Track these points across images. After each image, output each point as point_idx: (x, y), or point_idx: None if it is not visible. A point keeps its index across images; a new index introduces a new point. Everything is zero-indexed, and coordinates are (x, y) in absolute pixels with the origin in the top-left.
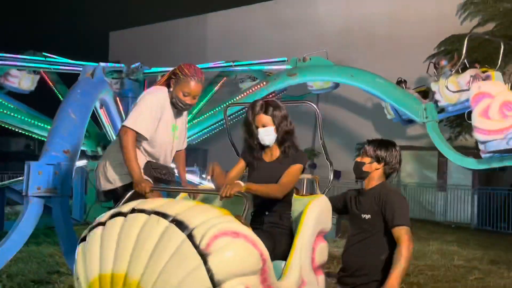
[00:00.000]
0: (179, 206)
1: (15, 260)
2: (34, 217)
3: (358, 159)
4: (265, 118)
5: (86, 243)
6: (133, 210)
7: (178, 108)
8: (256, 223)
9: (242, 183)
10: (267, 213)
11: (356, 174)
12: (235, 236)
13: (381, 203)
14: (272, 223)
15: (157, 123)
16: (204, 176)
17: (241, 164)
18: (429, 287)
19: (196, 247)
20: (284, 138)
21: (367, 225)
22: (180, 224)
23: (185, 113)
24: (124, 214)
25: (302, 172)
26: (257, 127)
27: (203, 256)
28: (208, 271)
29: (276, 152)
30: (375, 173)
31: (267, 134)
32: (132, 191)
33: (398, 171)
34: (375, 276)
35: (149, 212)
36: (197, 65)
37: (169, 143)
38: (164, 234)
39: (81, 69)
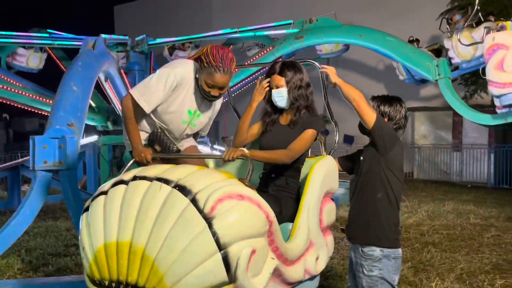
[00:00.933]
0: (181, 171)
1: (33, 234)
2: (43, 191)
3: None
4: (279, 79)
5: (89, 212)
6: (135, 178)
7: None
8: (262, 186)
9: (246, 150)
10: (273, 175)
11: (361, 130)
12: (240, 198)
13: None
14: (278, 187)
15: (167, 99)
16: (215, 147)
17: (256, 126)
18: (444, 245)
19: (200, 211)
20: (297, 100)
21: (362, 165)
22: (183, 189)
23: (217, 101)
24: (126, 182)
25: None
26: (271, 88)
27: (208, 220)
28: (214, 234)
29: (291, 116)
30: None
31: (279, 95)
32: (133, 160)
33: (405, 127)
34: (372, 222)
35: (151, 179)
36: (201, 34)
37: (177, 126)
38: (167, 199)
39: None
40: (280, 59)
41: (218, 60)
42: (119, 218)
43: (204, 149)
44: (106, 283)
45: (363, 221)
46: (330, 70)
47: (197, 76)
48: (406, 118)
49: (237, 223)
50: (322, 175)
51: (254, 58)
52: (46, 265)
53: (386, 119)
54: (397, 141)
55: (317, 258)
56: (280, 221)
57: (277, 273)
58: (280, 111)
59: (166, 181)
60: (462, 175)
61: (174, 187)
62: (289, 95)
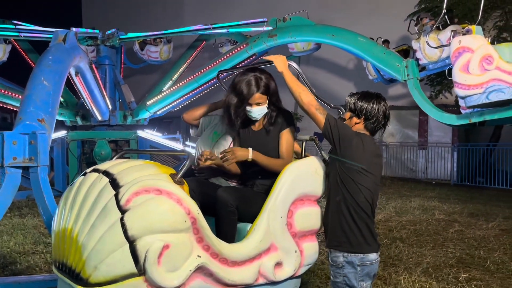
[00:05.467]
0: (124, 165)
1: None
2: (12, 188)
3: (341, 115)
4: (260, 97)
5: (59, 201)
6: (92, 170)
7: None
8: (248, 185)
9: (250, 150)
10: (260, 177)
11: None
12: (157, 193)
13: None
14: (263, 185)
15: None
16: (186, 143)
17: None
18: (411, 240)
19: (118, 203)
20: (273, 110)
21: (327, 168)
22: (114, 182)
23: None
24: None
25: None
26: (250, 105)
27: (122, 212)
28: (123, 226)
29: (263, 120)
30: (355, 128)
31: (260, 112)
32: (118, 154)
33: (385, 126)
34: (333, 226)
35: (100, 171)
36: (174, 29)
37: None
38: (101, 191)
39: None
40: (254, 56)
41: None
42: (70, 206)
43: (177, 146)
44: (58, 264)
45: (327, 225)
46: (277, 59)
47: None
48: (386, 117)
49: (147, 217)
50: (291, 177)
51: (228, 55)
52: (14, 263)
53: (362, 118)
54: (352, 142)
55: (279, 264)
56: (246, 219)
57: (207, 272)
58: (251, 122)
59: (107, 174)
60: (427, 172)
61: (110, 179)
62: (268, 107)
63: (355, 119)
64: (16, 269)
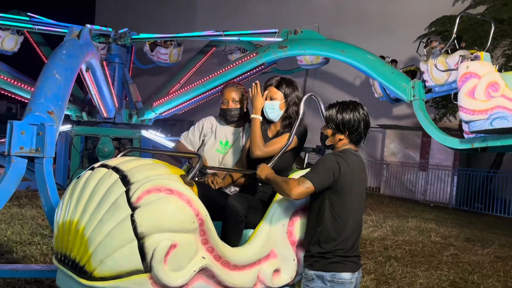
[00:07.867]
0: (135, 163)
1: None
2: (17, 177)
3: (322, 129)
4: (274, 91)
5: (64, 193)
6: (100, 165)
7: (226, 119)
8: (248, 191)
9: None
10: (260, 184)
11: (322, 145)
12: (168, 192)
13: None
14: (264, 192)
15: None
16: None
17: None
18: (406, 260)
19: (129, 200)
20: (291, 117)
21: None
22: (124, 178)
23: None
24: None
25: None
26: (265, 99)
27: (133, 209)
28: (133, 222)
29: (279, 128)
30: (340, 144)
31: (271, 107)
32: (123, 151)
33: (365, 135)
34: (308, 248)
35: (109, 167)
36: (186, 33)
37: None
38: (111, 187)
39: (67, 31)
40: (263, 65)
41: (224, 85)
42: (76, 199)
43: None
44: (59, 256)
45: (303, 244)
46: (261, 169)
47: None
48: (368, 125)
49: (157, 215)
50: None
51: (238, 62)
52: (10, 252)
53: (346, 133)
54: (340, 172)
55: (277, 270)
56: (246, 225)
57: (209, 274)
58: (268, 123)
59: (117, 170)
60: (426, 194)
61: (120, 176)
62: (284, 110)
63: (338, 136)
64: (12, 258)
